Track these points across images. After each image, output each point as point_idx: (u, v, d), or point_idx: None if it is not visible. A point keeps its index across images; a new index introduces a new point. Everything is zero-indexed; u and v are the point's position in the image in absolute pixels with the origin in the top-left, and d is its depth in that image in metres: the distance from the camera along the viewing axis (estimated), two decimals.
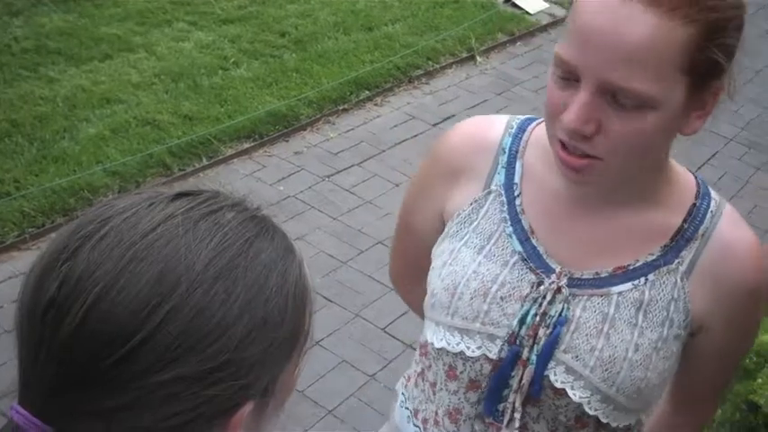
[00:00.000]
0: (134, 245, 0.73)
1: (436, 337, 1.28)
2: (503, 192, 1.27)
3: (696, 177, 1.27)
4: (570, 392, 1.20)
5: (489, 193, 1.28)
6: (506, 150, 1.29)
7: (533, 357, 1.20)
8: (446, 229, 1.31)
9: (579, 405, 1.21)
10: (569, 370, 1.20)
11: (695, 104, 1.11)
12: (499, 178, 1.28)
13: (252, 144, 4.66)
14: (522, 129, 1.31)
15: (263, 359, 0.77)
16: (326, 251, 3.96)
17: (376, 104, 5.31)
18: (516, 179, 1.27)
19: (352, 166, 4.65)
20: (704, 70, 1.08)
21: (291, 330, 0.80)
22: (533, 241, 1.24)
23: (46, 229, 3.78)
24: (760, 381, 2.17)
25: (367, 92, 5.34)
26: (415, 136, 5.00)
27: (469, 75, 5.83)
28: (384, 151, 4.81)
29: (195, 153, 4.46)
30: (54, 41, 5.24)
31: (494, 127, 1.32)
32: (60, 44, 5.22)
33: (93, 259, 0.73)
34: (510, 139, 1.30)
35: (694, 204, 1.23)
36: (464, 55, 5.99)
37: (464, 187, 1.30)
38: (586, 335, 1.19)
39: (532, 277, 1.22)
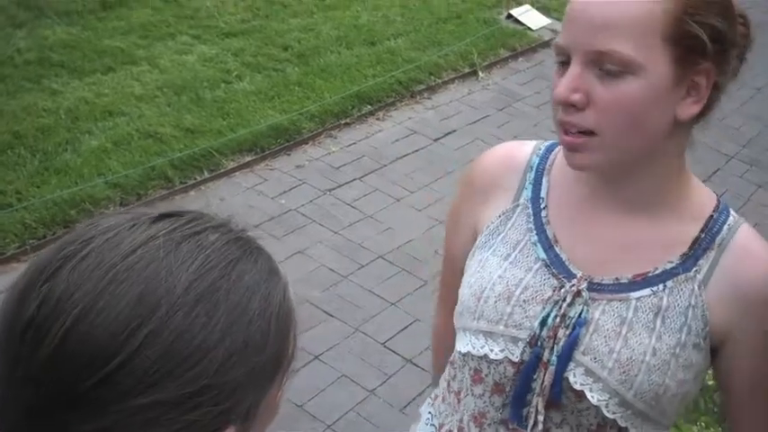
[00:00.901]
0: (114, 266, 0.73)
1: (462, 342, 1.33)
2: (530, 205, 1.34)
3: (717, 196, 1.32)
4: (589, 395, 1.23)
5: (517, 206, 1.35)
6: (534, 168, 1.37)
7: (553, 358, 1.24)
8: (476, 243, 1.38)
9: (599, 410, 1.23)
10: (588, 372, 1.23)
11: (686, 84, 1.17)
12: (526, 193, 1.35)
13: (253, 157, 4.67)
14: (549, 150, 1.38)
15: (244, 383, 0.76)
16: (327, 265, 3.96)
17: (378, 119, 5.32)
18: (543, 194, 1.34)
19: (354, 180, 4.65)
20: (687, 44, 1.14)
21: (274, 354, 0.79)
22: (557, 249, 1.30)
23: (47, 241, 3.78)
24: None
25: (369, 106, 5.34)
26: (417, 151, 5.01)
27: (471, 90, 5.84)
28: (385, 165, 4.81)
29: (197, 166, 4.47)
30: (57, 54, 5.26)
31: (523, 149, 1.41)
32: (63, 56, 5.24)
33: (72, 280, 0.72)
34: (537, 159, 1.38)
35: (711, 216, 1.27)
36: (466, 70, 6.00)
37: (494, 203, 1.38)
38: (605, 337, 1.23)
39: (554, 282, 1.27)
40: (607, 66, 1.13)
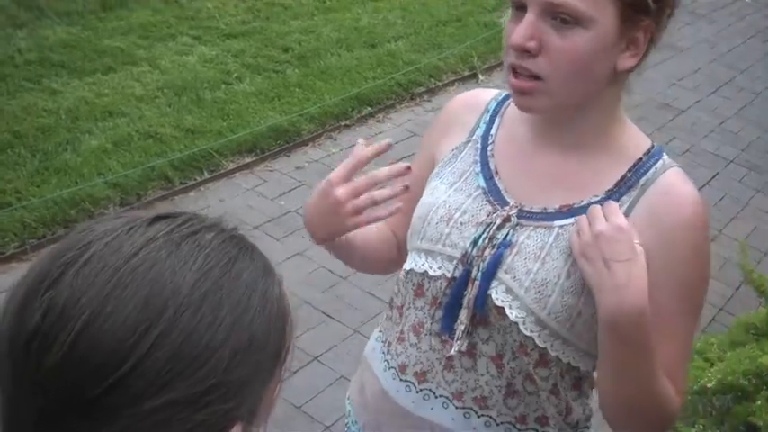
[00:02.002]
0: (118, 270, 0.73)
1: (408, 262, 1.46)
2: (479, 141, 1.47)
3: (653, 142, 1.41)
4: (508, 311, 1.33)
5: (469, 141, 1.48)
6: (490, 111, 1.50)
7: (479, 275, 1.35)
8: (432, 173, 1.50)
9: (518, 327, 1.32)
10: (508, 290, 1.33)
11: (628, 39, 1.26)
12: (479, 131, 1.48)
13: (253, 158, 4.67)
14: (508, 97, 1.49)
15: (249, 380, 0.76)
16: (326, 266, 3.96)
17: (378, 121, 5.33)
18: (493, 131, 1.47)
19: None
20: (633, 1, 1.23)
21: (275, 349, 0.80)
22: (496, 180, 1.41)
23: (47, 241, 3.78)
24: (759, 403, 2.16)
25: (369, 108, 5.35)
26: (416, 153, 5.00)
27: None
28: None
29: (197, 166, 4.47)
30: (57, 54, 5.26)
31: (485, 94, 1.55)
32: (64, 57, 5.24)
33: (77, 286, 0.72)
34: (495, 103, 1.51)
35: (641, 159, 1.36)
36: (466, 73, 6.01)
37: (451, 138, 1.51)
38: (525, 258, 1.33)
39: (489, 208, 1.39)
40: (561, 16, 1.22)
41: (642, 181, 1.34)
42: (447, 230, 1.39)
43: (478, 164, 1.44)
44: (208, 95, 5.09)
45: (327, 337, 3.54)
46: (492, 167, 1.43)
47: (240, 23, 6.07)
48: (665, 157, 1.38)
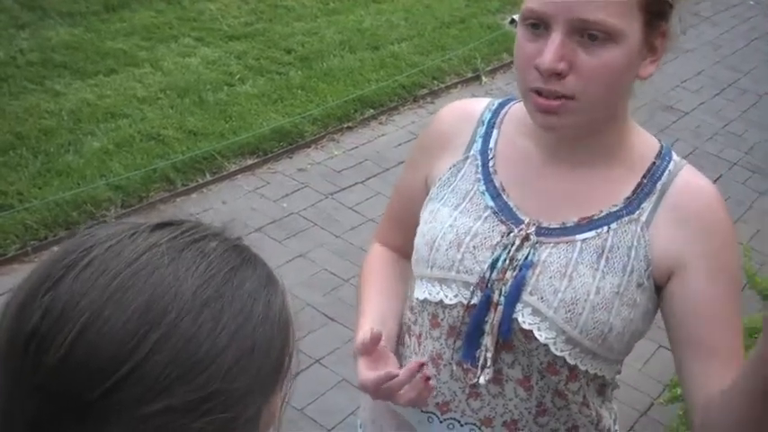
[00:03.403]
0: (119, 274, 0.72)
1: (420, 290, 1.39)
2: (478, 156, 1.39)
3: (661, 142, 1.37)
4: (537, 333, 1.27)
5: (467, 158, 1.40)
6: (485, 123, 1.42)
7: (502, 299, 1.29)
8: (429, 195, 1.43)
9: (548, 348, 1.28)
10: (535, 312, 1.27)
11: (649, 46, 1.23)
12: (476, 146, 1.40)
13: (256, 160, 4.67)
14: (501, 105, 1.45)
15: (250, 389, 0.76)
16: (328, 269, 3.95)
17: (381, 123, 5.32)
18: (491, 145, 1.40)
19: (356, 184, 4.64)
20: (655, 9, 1.20)
21: (277, 359, 0.79)
22: (504, 197, 1.35)
23: (48, 242, 3.78)
24: None
25: (372, 110, 5.34)
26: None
27: (475, 95, 5.84)
28: (388, 170, 4.80)
29: (199, 168, 4.46)
30: (60, 55, 5.26)
31: (477, 104, 1.47)
32: (66, 58, 5.24)
33: (77, 289, 0.72)
34: (489, 114, 1.44)
35: (654, 163, 1.33)
36: (469, 75, 6.01)
37: (446, 157, 1.43)
38: (550, 277, 1.28)
39: (503, 228, 1.33)
40: (591, 32, 1.17)
41: (659, 186, 1.31)
42: (459, 256, 1.33)
43: (482, 182, 1.37)
44: (210, 97, 5.08)
45: (329, 340, 3.53)
46: (497, 184, 1.36)
47: (243, 25, 6.07)
48: (674, 156, 1.35)
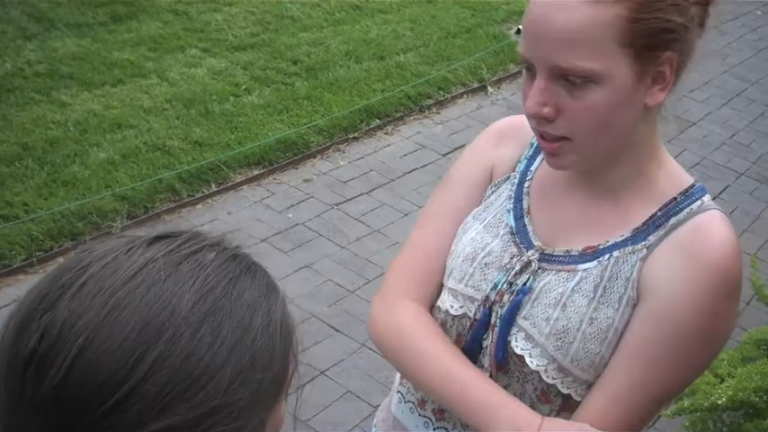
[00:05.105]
0: (115, 292, 0.72)
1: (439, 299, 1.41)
2: (518, 176, 1.41)
3: (696, 182, 1.31)
4: (528, 360, 1.27)
5: (508, 177, 1.42)
6: (533, 146, 1.42)
7: (498, 321, 1.31)
8: (471, 213, 1.43)
9: (540, 375, 1.27)
10: (528, 337, 1.28)
11: (650, 76, 1.19)
12: (520, 166, 1.42)
13: (261, 171, 4.67)
14: None
15: (252, 402, 0.75)
16: (334, 280, 3.95)
17: (386, 133, 5.32)
18: (533, 167, 1.41)
19: (362, 194, 4.64)
20: (645, 42, 1.15)
21: (279, 370, 0.79)
22: (525, 219, 1.37)
23: (54, 253, 3.78)
24: None
25: (377, 120, 5.34)
26: (425, 165, 5.00)
27: (480, 105, 5.84)
28: (393, 180, 4.80)
29: (204, 179, 4.46)
30: (67, 66, 5.27)
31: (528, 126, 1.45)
32: (73, 69, 5.25)
33: (74, 309, 0.71)
34: None
35: (674, 198, 1.28)
36: (475, 85, 6.00)
37: (507, 149, 1.44)
38: (545, 305, 1.27)
39: (514, 250, 1.34)
40: (571, 78, 1.16)
41: (672, 221, 1.25)
42: (471, 270, 1.36)
43: (512, 200, 1.39)
44: (216, 108, 5.09)
45: (335, 352, 3.52)
46: (525, 206, 1.38)
47: (249, 36, 6.08)
48: (706, 198, 1.28)
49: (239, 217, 4.28)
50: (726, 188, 5.19)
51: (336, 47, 6.10)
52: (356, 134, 5.18)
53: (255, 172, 4.65)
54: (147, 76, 5.34)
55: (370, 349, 3.57)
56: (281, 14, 6.49)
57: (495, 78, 6.12)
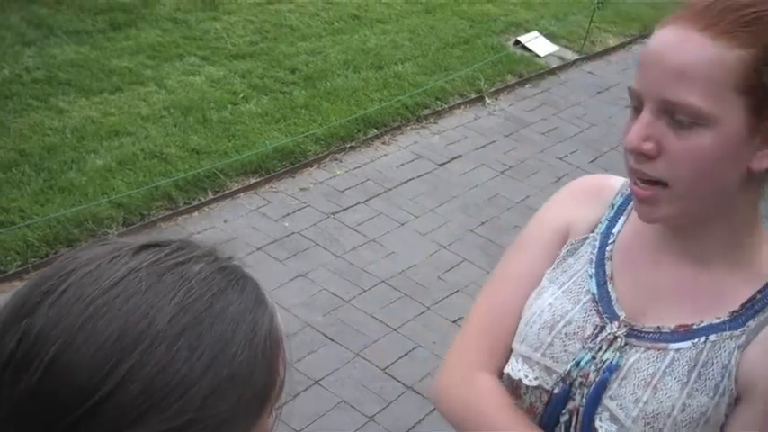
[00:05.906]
0: (94, 301, 0.72)
1: (508, 363, 1.34)
2: (598, 238, 1.33)
3: None
4: None
5: (586, 239, 1.34)
6: (615, 207, 1.35)
7: (583, 401, 1.24)
8: (546, 275, 1.35)
9: None
10: (613, 418, 1.21)
11: (762, 135, 1.11)
12: (600, 227, 1.34)
13: (258, 179, 4.67)
14: None
15: (230, 417, 0.74)
16: (329, 289, 3.95)
17: (383, 143, 5.32)
18: (615, 230, 1.33)
19: (358, 203, 4.64)
20: (762, 94, 1.09)
21: (262, 385, 0.78)
22: (608, 286, 1.28)
23: (49, 260, 3.77)
24: None
25: (375, 130, 5.35)
26: (422, 175, 5.00)
27: (478, 116, 5.85)
28: (390, 190, 4.80)
29: (201, 187, 4.47)
30: (65, 73, 5.28)
31: (613, 185, 1.39)
32: (71, 75, 5.26)
33: (52, 315, 0.71)
34: (621, 199, 1.36)
35: None
36: (473, 96, 6.01)
37: (585, 210, 1.36)
38: (634, 385, 1.20)
39: (597, 320, 1.26)
40: (678, 116, 1.10)
41: None
42: (549, 340, 1.27)
43: (593, 264, 1.31)
44: (214, 116, 5.10)
45: (329, 361, 3.52)
46: (608, 272, 1.29)
47: (248, 44, 6.09)
48: None
49: (235, 225, 4.29)
50: None
51: (335, 56, 6.11)
52: (353, 143, 5.18)
53: (252, 180, 4.65)
54: (145, 83, 5.34)
55: (365, 359, 3.57)
56: (280, 23, 6.50)
57: (492, 89, 6.13)
